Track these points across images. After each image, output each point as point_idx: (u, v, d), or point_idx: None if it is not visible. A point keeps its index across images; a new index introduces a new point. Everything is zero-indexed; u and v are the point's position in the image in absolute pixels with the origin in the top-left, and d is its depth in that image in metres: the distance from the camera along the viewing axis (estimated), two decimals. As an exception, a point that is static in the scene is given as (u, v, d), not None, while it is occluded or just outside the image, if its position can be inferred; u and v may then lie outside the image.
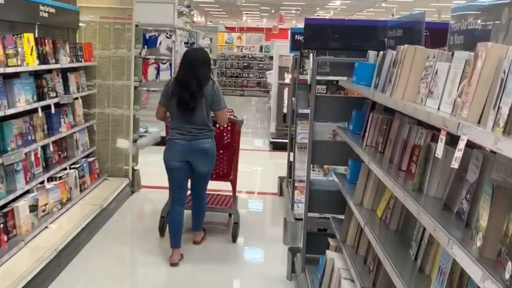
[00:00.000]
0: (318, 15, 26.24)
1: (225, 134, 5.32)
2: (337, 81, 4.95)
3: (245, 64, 22.10)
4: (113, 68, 6.42)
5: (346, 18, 21.08)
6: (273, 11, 27.04)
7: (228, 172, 5.42)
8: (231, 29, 30.47)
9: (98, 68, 6.38)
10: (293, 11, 27.02)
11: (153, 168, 8.08)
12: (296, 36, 6.76)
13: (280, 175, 7.01)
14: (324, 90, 5.35)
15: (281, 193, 6.84)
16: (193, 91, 4.44)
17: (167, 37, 9.96)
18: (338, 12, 25.93)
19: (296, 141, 5.49)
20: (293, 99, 6.02)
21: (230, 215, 5.81)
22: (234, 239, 5.29)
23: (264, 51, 22.13)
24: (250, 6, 24.76)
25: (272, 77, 11.44)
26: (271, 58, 18.03)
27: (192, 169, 4.67)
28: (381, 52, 3.04)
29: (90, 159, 6.11)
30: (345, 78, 3.91)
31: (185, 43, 11.03)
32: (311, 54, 4.93)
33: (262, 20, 34.38)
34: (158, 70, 9.95)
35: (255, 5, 24.15)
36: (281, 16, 24.34)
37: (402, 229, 2.65)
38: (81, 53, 5.94)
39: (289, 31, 7.57)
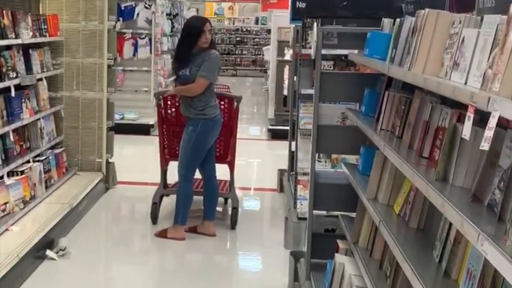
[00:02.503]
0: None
1: (221, 112, 5.37)
2: (346, 55, 4.93)
3: (238, 39, 22.10)
4: (83, 43, 6.39)
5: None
6: (270, -25, 26.96)
7: (225, 153, 5.66)
8: (221, -2, 30.41)
9: (65, 44, 6.35)
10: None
11: (130, 160, 8.15)
12: (297, 3, 6.73)
13: (280, 167, 7.02)
14: (331, 66, 5.33)
15: (281, 189, 6.84)
16: None
17: (146, 8, 9.92)
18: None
19: (299, 127, 5.48)
20: (295, 78, 6.01)
21: (225, 201, 6.07)
22: (233, 226, 5.55)
23: (261, 23, 22.12)
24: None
25: (270, 54, 11.43)
26: (268, 31, 18.06)
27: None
28: (398, 20, 3.04)
29: (57, 151, 6.09)
30: (355, 51, 3.90)
31: (167, 14, 10.99)
32: (315, 24, 4.91)
33: (257, -13, 34.29)
34: (135, 46, 9.90)
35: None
36: (280, -19, 24.26)
37: (424, 226, 2.65)
38: (46, 27, 5.90)
39: (290, -2, 7.55)
